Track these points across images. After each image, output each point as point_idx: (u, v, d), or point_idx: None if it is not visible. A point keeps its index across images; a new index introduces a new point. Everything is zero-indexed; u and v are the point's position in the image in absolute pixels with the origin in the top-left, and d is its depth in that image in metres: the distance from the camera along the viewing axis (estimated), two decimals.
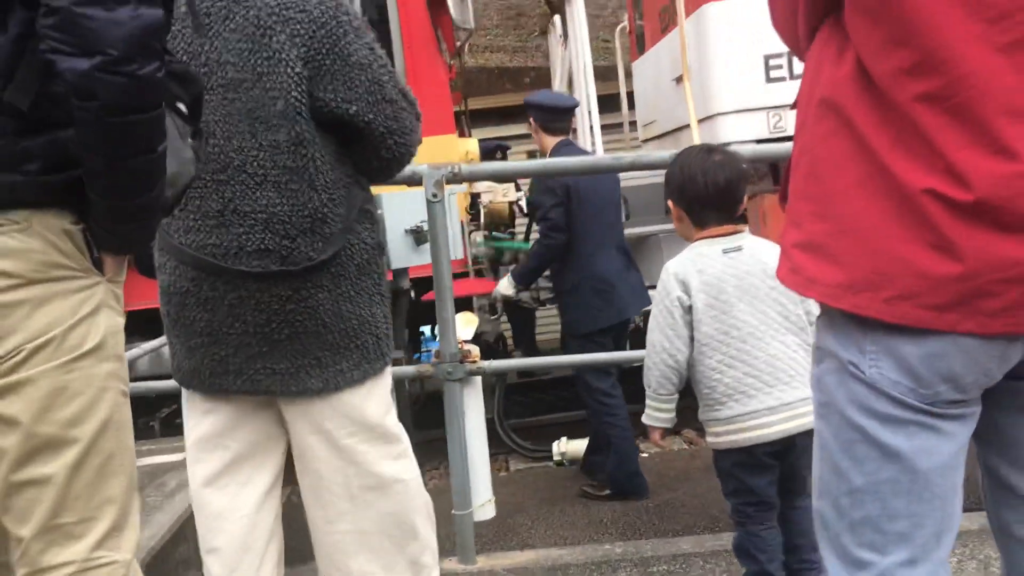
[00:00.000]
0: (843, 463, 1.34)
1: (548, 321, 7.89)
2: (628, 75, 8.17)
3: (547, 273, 4.83)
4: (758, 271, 2.41)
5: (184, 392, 2.15)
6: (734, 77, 5.61)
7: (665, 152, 2.96)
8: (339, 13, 1.94)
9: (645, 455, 5.17)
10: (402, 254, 4.27)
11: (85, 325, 1.46)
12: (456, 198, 4.43)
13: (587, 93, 6.53)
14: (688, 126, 5.75)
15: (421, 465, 2.27)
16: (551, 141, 4.66)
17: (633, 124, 8.12)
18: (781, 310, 2.41)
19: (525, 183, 5.86)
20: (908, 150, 1.19)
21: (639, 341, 3.67)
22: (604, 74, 8.37)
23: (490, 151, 6.40)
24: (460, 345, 3.12)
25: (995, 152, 1.15)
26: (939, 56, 1.16)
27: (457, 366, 3.07)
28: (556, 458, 5.27)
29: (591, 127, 6.54)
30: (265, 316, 1.95)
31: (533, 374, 7.33)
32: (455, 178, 3.03)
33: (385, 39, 5.44)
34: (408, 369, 3.44)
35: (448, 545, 3.00)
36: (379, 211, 3.49)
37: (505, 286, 4.85)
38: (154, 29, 1.35)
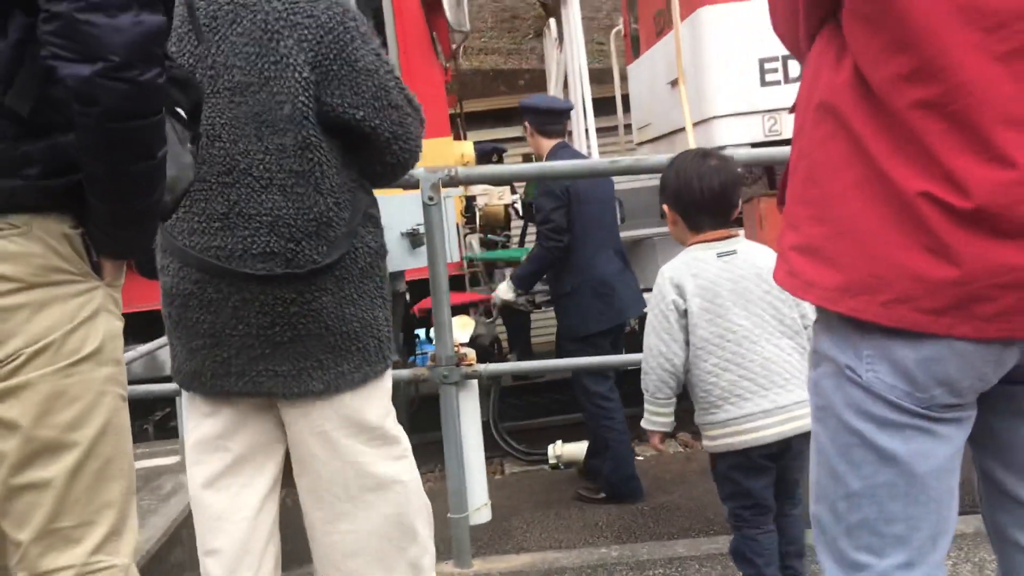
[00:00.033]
0: (840, 467, 1.35)
1: (543, 324, 7.89)
2: (623, 78, 8.18)
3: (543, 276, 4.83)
4: (752, 275, 2.42)
5: (184, 394, 2.15)
6: (729, 80, 5.62)
7: (662, 156, 2.97)
8: (346, 19, 1.95)
9: (640, 458, 5.17)
10: (398, 257, 4.27)
11: (84, 329, 1.46)
12: (452, 201, 4.43)
13: (582, 96, 6.55)
14: (683, 129, 5.76)
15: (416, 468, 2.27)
16: (547, 144, 4.66)
17: (628, 127, 8.13)
18: (775, 314, 2.42)
19: (520, 185, 5.87)
20: (906, 156, 1.20)
21: (634, 344, 3.67)
22: (599, 77, 8.38)
23: (486, 154, 6.41)
24: (456, 348, 3.12)
25: (992, 160, 1.15)
26: (937, 64, 1.17)
27: (453, 369, 3.07)
28: (551, 461, 5.26)
29: (586, 130, 6.56)
30: (269, 318, 1.96)
31: (528, 377, 7.33)
32: (452, 181, 3.04)
33: (380, 42, 5.44)
34: (404, 372, 3.43)
35: (443, 548, 3.00)
36: None
37: (504, 290, 4.83)
38: (155, 35, 1.36)
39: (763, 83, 5.55)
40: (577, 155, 5.13)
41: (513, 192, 6.00)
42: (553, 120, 4.70)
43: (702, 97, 5.75)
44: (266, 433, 2.10)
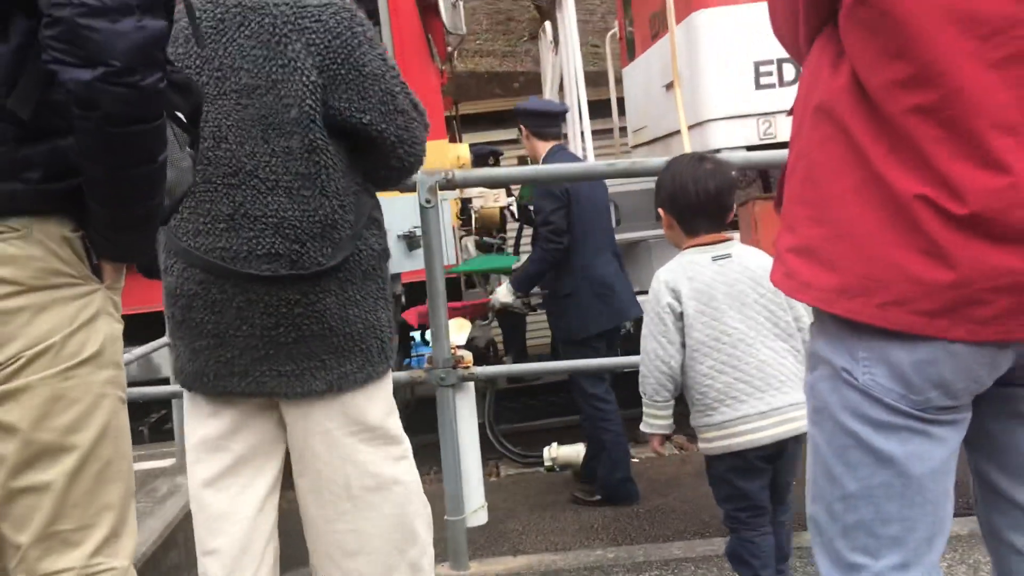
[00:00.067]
0: (837, 468, 1.35)
1: (539, 326, 7.89)
2: (618, 81, 8.19)
3: None
4: (746, 278, 2.44)
5: (186, 394, 2.15)
6: (724, 84, 5.64)
7: (659, 159, 2.97)
8: (354, 24, 1.96)
9: (636, 460, 5.18)
10: (394, 259, 4.27)
11: (84, 332, 1.46)
12: (449, 204, 4.43)
13: (578, 99, 6.56)
14: (678, 132, 5.77)
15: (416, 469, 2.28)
16: (543, 147, 4.67)
17: (623, 130, 8.14)
18: (770, 316, 2.43)
19: (515, 188, 5.88)
20: (902, 160, 1.21)
21: (630, 347, 3.68)
22: (594, 80, 8.38)
23: (482, 156, 6.41)
24: (453, 351, 3.13)
25: (987, 165, 1.17)
26: (933, 70, 1.18)
27: (450, 372, 3.07)
28: (547, 464, 5.27)
29: (582, 133, 6.57)
30: (273, 319, 1.97)
31: (523, 379, 7.33)
32: (449, 184, 3.04)
33: None
34: (400, 375, 3.43)
35: (440, 551, 3.00)
36: None
37: (504, 293, 4.82)
38: (157, 40, 1.36)
39: (758, 86, 5.57)
40: (573, 158, 5.14)
41: (509, 194, 6.00)
42: (549, 123, 4.71)
43: (697, 100, 5.77)
44: (267, 434, 2.11)
